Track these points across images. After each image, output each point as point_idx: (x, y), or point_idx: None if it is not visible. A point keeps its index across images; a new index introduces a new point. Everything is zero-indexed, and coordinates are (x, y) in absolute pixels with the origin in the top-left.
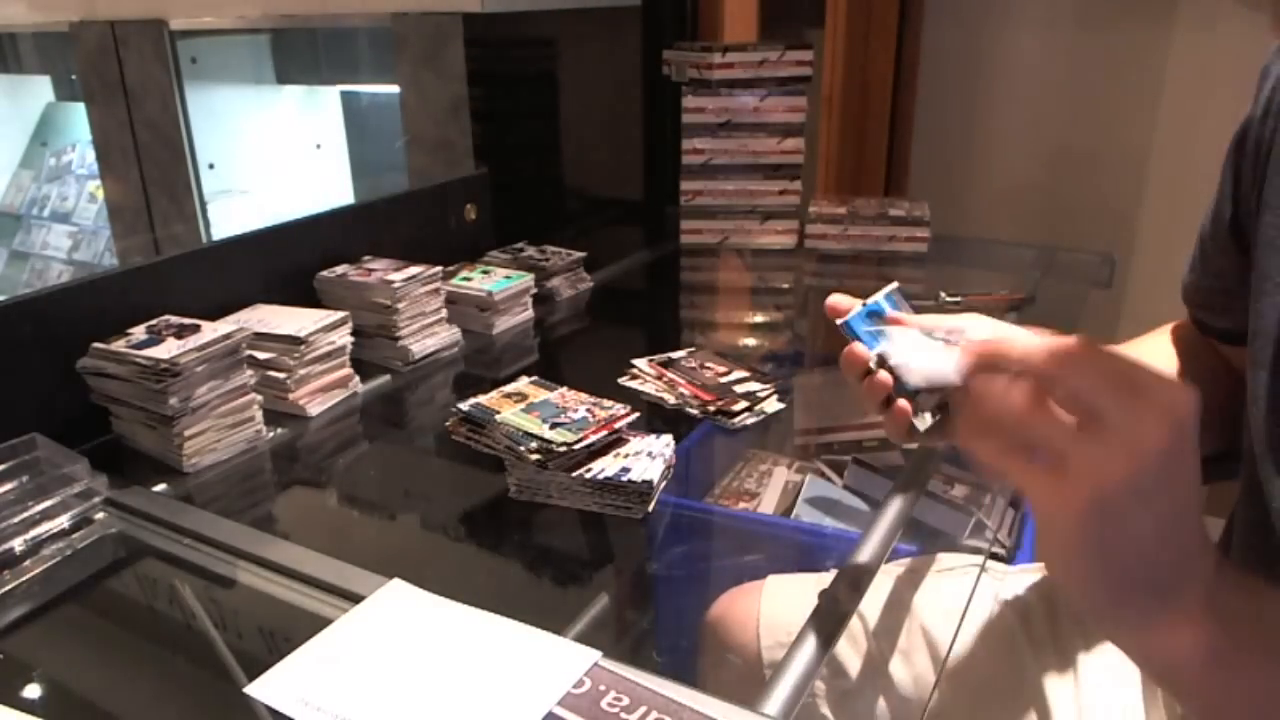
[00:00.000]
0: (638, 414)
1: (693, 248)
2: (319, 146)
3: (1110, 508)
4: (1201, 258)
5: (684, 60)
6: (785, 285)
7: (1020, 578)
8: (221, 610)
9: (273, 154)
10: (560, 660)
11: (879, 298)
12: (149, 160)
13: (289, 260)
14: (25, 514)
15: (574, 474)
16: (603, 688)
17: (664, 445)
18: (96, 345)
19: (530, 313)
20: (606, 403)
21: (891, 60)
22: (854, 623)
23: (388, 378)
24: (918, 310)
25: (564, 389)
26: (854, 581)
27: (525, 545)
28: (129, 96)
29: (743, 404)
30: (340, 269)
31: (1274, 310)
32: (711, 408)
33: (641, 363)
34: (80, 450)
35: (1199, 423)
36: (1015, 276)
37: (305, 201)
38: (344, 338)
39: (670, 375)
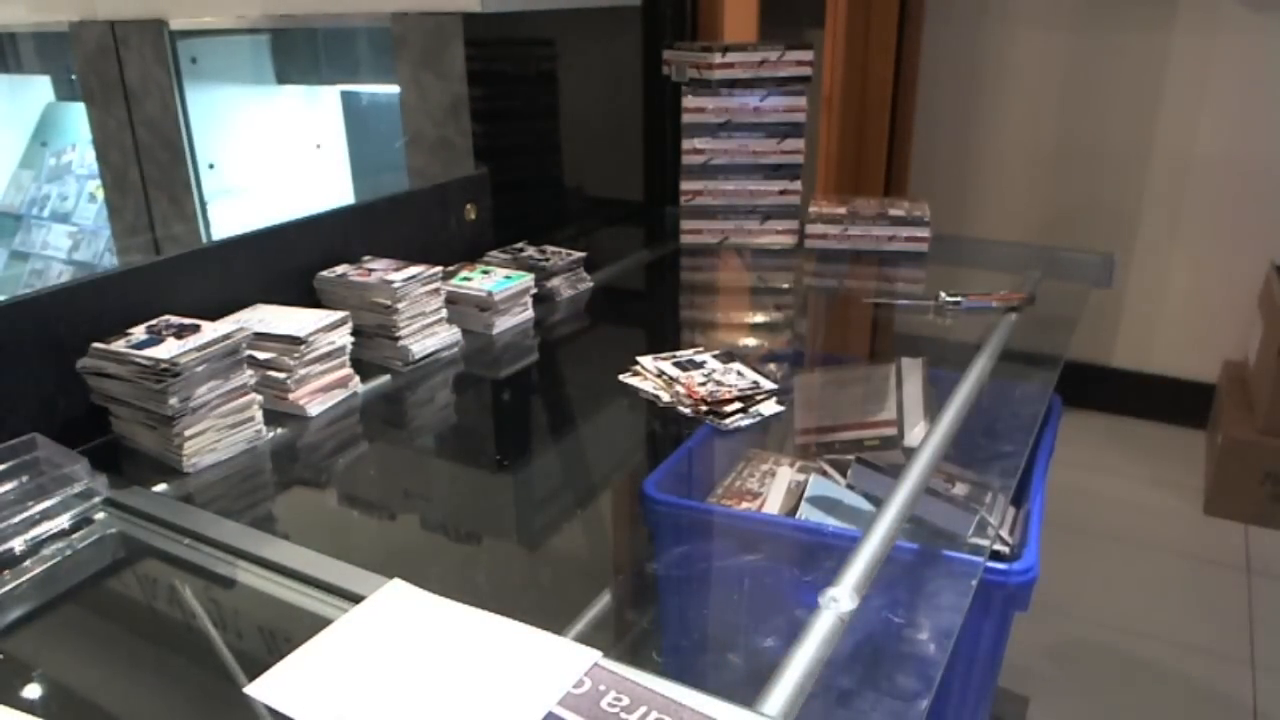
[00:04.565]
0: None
1: (693, 248)
2: (319, 146)
3: None
4: None
5: (684, 60)
6: (785, 285)
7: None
8: (221, 610)
9: (272, 154)
10: (560, 660)
11: None
12: (149, 160)
13: (289, 260)
14: (25, 514)
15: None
16: (603, 688)
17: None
18: (96, 345)
19: (530, 313)
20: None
21: (891, 60)
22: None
23: (388, 378)
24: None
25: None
26: (855, 581)
27: (525, 545)
28: (129, 96)
29: (736, 404)
30: (340, 269)
31: None
32: (703, 407)
33: (646, 360)
34: (80, 450)
35: None
36: (1015, 276)
37: (305, 201)
38: (344, 338)
39: (678, 376)
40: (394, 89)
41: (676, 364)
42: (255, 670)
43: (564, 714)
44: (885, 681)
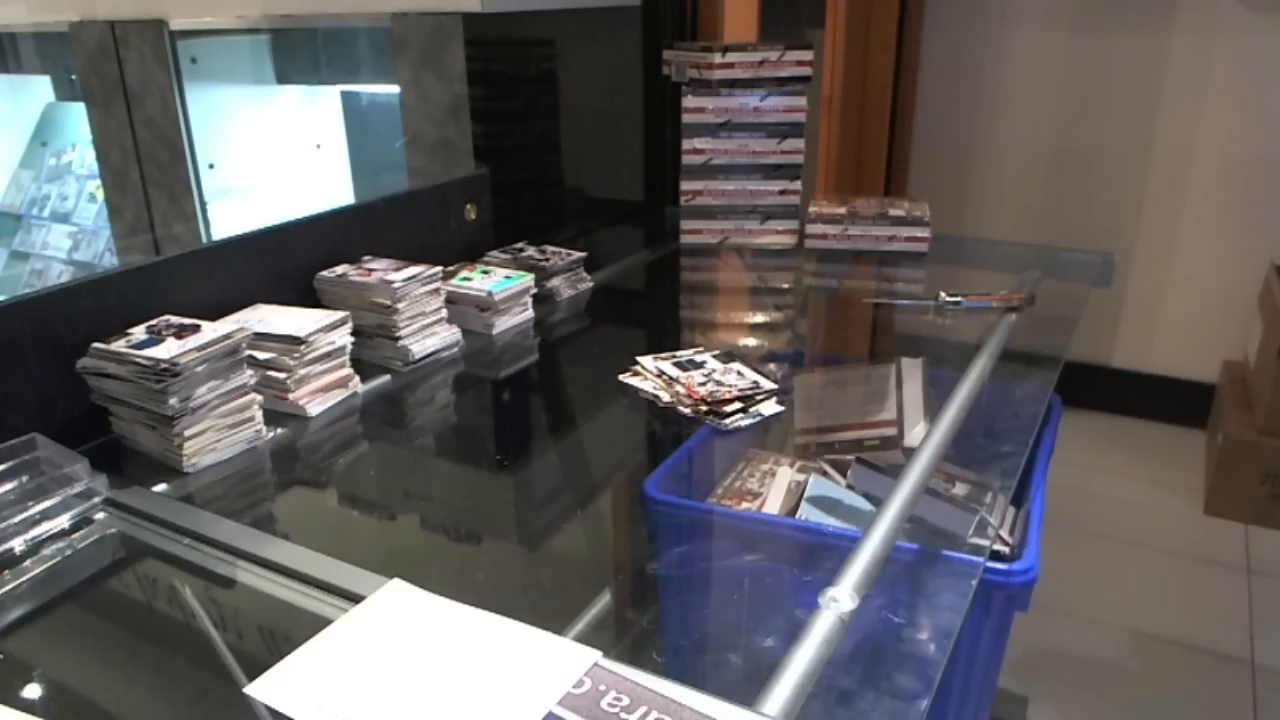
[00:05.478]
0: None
1: (693, 248)
2: (319, 146)
3: None
4: None
5: (684, 60)
6: (785, 285)
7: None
8: (221, 610)
9: (273, 154)
10: (560, 660)
11: None
12: (149, 160)
13: (289, 260)
14: (25, 514)
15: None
16: (603, 688)
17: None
18: (96, 345)
19: (530, 313)
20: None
21: (891, 60)
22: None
23: (388, 378)
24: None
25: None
26: (855, 581)
27: (525, 545)
28: (129, 96)
29: (736, 404)
30: (340, 269)
31: None
32: (703, 407)
33: (646, 360)
34: (80, 450)
35: None
36: (1015, 276)
37: (305, 201)
38: (344, 338)
39: (678, 376)
40: (394, 89)
41: (676, 364)
42: (255, 670)
43: (564, 714)
44: (885, 681)
